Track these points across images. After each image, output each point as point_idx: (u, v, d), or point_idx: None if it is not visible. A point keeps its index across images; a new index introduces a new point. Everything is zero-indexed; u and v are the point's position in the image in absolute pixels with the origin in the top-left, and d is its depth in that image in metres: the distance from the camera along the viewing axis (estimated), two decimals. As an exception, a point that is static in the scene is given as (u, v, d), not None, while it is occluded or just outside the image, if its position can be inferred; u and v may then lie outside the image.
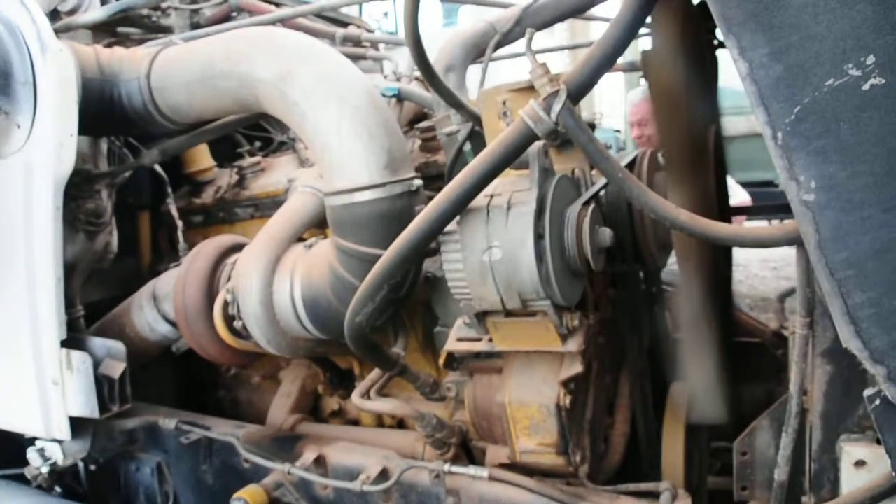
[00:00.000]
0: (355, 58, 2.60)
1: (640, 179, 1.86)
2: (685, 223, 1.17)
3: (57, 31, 1.79)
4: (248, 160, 2.40)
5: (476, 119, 1.72)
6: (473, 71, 2.09)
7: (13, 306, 1.89)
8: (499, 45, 1.92)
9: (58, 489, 2.17)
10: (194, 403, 2.50)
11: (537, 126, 1.20)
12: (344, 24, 2.99)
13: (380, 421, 2.15)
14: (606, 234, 1.40)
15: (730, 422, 1.78)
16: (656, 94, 1.70)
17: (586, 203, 1.41)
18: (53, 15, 2.09)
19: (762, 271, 7.03)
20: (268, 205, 2.30)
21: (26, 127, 1.73)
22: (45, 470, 2.00)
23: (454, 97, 1.66)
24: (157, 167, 2.28)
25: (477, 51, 1.94)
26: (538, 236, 1.31)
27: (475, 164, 1.25)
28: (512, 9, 2.06)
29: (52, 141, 1.71)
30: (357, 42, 2.73)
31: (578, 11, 2.13)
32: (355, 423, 2.21)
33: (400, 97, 2.04)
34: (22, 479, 2.14)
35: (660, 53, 1.56)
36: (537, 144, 1.31)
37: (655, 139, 4.59)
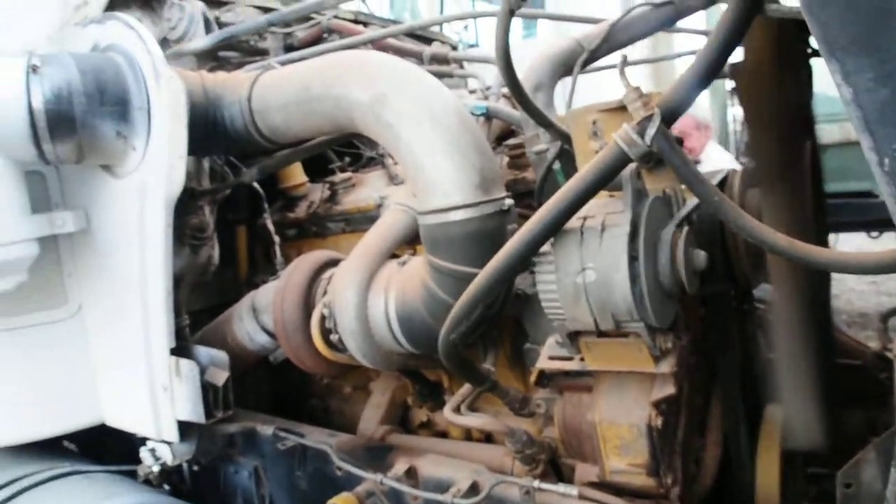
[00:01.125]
0: (442, 75, 2.65)
1: (732, 198, 1.84)
2: (784, 248, 1.15)
3: (167, 59, 1.91)
4: (339, 176, 2.48)
5: (565, 138, 1.73)
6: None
7: (128, 316, 2.02)
8: (586, 63, 1.93)
9: (166, 486, 2.30)
10: (288, 410, 2.59)
11: (631, 149, 1.21)
12: (428, 41, 3.05)
13: (468, 434, 2.18)
14: (701, 256, 1.39)
15: (828, 447, 1.73)
16: (748, 107, 1.67)
17: (680, 224, 1.41)
18: (163, 43, 2.22)
19: (859, 285, 6.70)
20: (359, 220, 2.38)
21: (141, 149, 1.85)
22: (155, 469, 2.12)
23: (544, 117, 1.68)
24: (255, 183, 2.39)
25: (564, 69, 1.95)
26: (632, 259, 1.31)
27: (569, 188, 1.27)
28: (599, 25, 2.06)
29: (164, 162, 1.82)
30: (444, 60, 2.78)
31: (666, 25, 2.11)
32: (443, 434, 2.24)
33: (488, 115, 2.07)
34: (130, 476, 2.29)
35: (752, 65, 1.53)
36: (630, 166, 1.32)
37: (696, 152, 4.53)
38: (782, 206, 1.56)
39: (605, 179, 1.25)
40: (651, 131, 1.17)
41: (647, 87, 1.40)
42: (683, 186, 1.52)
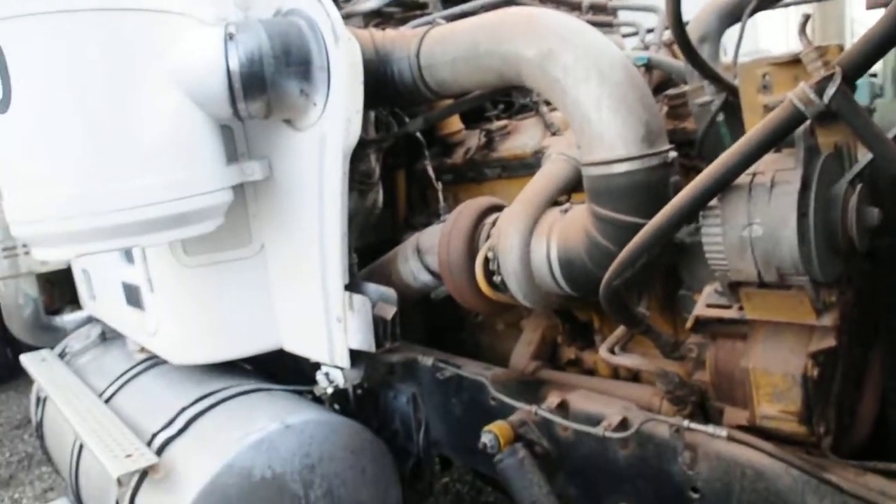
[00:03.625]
0: (601, 25, 2.63)
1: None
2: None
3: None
4: (495, 124, 2.58)
5: (731, 90, 1.73)
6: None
7: (306, 254, 2.24)
8: (754, 12, 1.89)
9: (335, 406, 2.57)
10: (439, 343, 2.78)
11: (807, 108, 1.22)
12: (581, -15, 3.02)
13: (615, 373, 2.27)
14: (874, 214, 1.39)
15: None
16: None
17: (853, 181, 1.40)
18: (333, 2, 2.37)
19: None
20: (515, 166, 2.47)
21: (321, 105, 2.02)
22: (329, 390, 2.38)
23: (710, 70, 1.69)
24: (416, 132, 2.53)
25: (731, 19, 1.92)
26: (801, 215, 1.34)
27: (741, 145, 1.30)
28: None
29: (341, 116, 1.98)
30: (602, 9, 2.75)
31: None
32: (591, 372, 2.34)
33: (649, 66, 2.08)
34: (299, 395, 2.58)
35: None
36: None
37: None
38: None
39: (778, 137, 1.27)
40: (831, 91, 1.18)
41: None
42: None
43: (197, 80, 1.94)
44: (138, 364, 3.04)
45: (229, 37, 1.91)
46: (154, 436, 2.42)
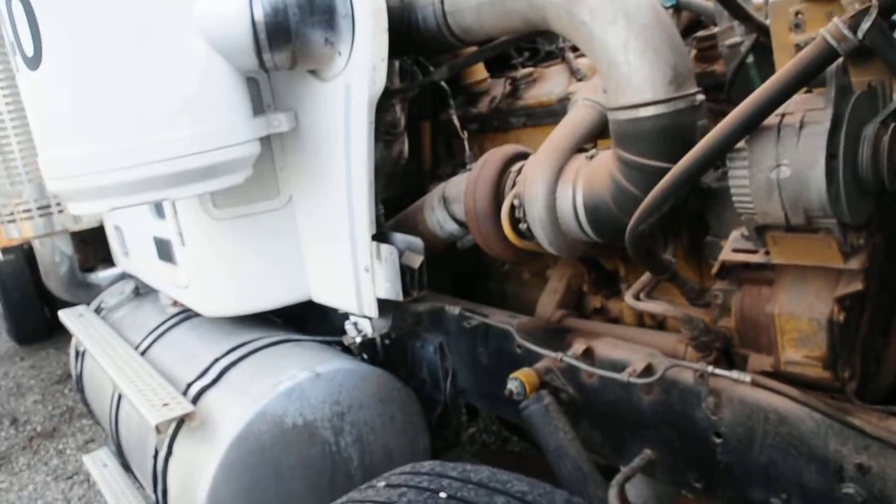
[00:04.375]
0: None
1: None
2: None
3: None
4: (521, 71, 2.55)
5: (762, 30, 1.69)
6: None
7: (333, 205, 2.27)
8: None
9: (364, 356, 2.62)
10: (465, 292, 2.80)
11: (840, 45, 1.20)
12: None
13: (640, 322, 2.27)
14: (907, 153, 1.36)
15: None
16: None
17: (885, 120, 1.38)
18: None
19: None
20: (540, 114, 2.45)
21: (346, 54, 2.02)
22: (358, 340, 2.43)
23: (741, 9, 1.65)
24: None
25: (764, -45, 1.87)
26: (830, 156, 1.32)
27: (770, 85, 1.28)
28: None
29: (367, 65, 1.98)
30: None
31: None
32: (616, 321, 2.34)
33: (678, 7, 2.04)
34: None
35: None
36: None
37: None
38: None
39: (809, 77, 1.25)
40: (866, 25, 1.16)
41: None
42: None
43: (222, 32, 1.95)
44: (171, 317, 3.12)
45: (253, -13, 1.91)
46: (189, 385, 2.50)
